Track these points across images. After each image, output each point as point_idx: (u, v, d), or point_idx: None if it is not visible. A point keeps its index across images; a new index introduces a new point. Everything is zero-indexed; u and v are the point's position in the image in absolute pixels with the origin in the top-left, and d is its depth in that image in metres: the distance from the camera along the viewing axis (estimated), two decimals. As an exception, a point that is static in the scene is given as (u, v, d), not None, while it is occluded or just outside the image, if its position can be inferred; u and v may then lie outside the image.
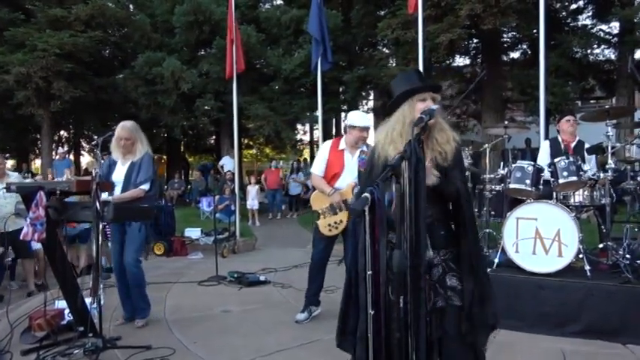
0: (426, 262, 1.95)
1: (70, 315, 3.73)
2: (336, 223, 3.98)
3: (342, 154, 4.06)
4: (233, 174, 11.16)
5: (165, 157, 21.27)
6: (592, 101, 18.21)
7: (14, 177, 5.53)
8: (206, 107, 14.14)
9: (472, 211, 2.21)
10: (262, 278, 5.64)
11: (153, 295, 4.65)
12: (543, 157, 4.92)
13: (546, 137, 5.46)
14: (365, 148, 4.05)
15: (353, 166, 4.00)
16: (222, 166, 14.31)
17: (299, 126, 16.06)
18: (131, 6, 15.59)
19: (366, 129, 4.04)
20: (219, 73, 13.28)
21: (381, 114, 17.11)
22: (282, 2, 15.97)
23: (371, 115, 14.62)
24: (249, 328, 4.04)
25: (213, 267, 5.91)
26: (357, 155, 4.01)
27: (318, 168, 4.13)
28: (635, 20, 10.73)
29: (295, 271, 6.15)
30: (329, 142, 4.25)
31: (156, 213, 7.52)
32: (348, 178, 4.00)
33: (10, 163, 19.81)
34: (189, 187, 16.61)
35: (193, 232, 8.35)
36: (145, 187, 3.89)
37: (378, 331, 1.74)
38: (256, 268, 6.28)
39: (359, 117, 4.11)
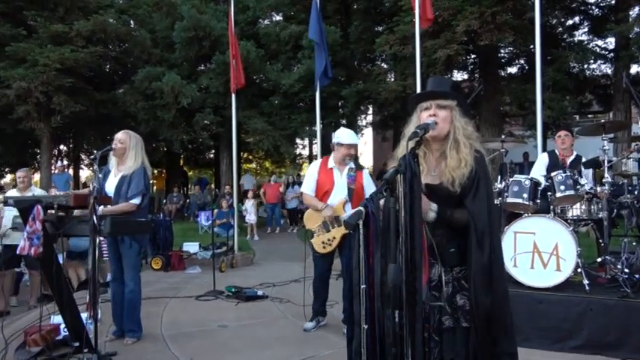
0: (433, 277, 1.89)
1: (65, 330, 3.70)
2: (329, 240, 4.06)
3: (331, 172, 4.16)
4: (232, 188, 11.16)
5: (164, 171, 21.30)
6: (589, 115, 18.32)
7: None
8: (205, 122, 14.20)
9: (484, 245, 1.86)
10: (260, 293, 5.60)
11: (150, 309, 4.64)
12: (539, 169, 4.94)
13: (544, 151, 5.49)
14: (353, 165, 4.19)
15: (342, 183, 4.11)
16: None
17: (298, 140, 16.10)
18: (132, 22, 15.73)
19: (352, 146, 4.15)
20: (218, 88, 13.39)
21: (380, 128, 17.24)
22: (281, 18, 16.14)
23: (357, 133, 14.81)
24: (246, 343, 4.00)
25: (211, 281, 5.88)
26: (345, 172, 4.13)
27: (308, 187, 4.22)
28: (630, 36, 10.84)
29: (294, 285, 6.11)
30: (318, 162, 4.37)
31: (153, 227, 7.52)
32: (339, 195, 4.09)
33: (9, 177, 19.84)
34: (187, 201, 16.60)
35: (191, 247, 8.31)
36: (136, 201, 3.87)
37: (372, 345, 1.73)
38: (254, 282, 6.25)
39: (346, 135, 4.20)
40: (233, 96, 8.83)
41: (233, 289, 5.58)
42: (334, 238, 4.04)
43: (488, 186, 1.97)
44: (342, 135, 4.21)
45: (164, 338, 4.11)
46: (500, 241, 2.00)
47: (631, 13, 11.62)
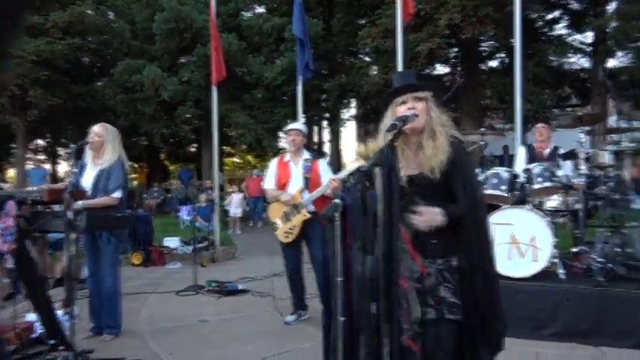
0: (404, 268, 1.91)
1: (41, 327, 3.63)
2: (290, 229, 4.23)
3: (287, 165, 4.38)
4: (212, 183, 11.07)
5: (146, 165, 21.03)
6: (568, 109, 18.60)
7: None
8: (187, 115, 14.06)
9: (480, 232, 1.93)
10: (241, 287, 5.57)
11: (129, 305, 4.57)
12: (520, 163, 5.01)
13: (522, 144, 5.56)
14: (308, 156, 4.36)
15: (298, 173, 4.30)
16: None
17: (281, 134, 16.02)
18: (111, 13, 15.43)
19: (293, 131, 4.35)
20: (199, 81, 13.23)
21: (363, 122, 17.29)
22: (264, 11, 16.00)
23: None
24: (226, 338, 3.98)
25: (192, 277, 5.82)
26: (301, 163, 4.32)
27: (269, 182, 4.46)
28: (607, 30, 11.03)
29: (275, 279, 6.08)
30: (276, 159, 4.59)
31: (132, 222, 7.39)
32: (296, 186, 4.28)
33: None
34: (169, 195, 16.42)
35: (172, 242, 8.22)
36: (118, 194, 3.81)
37: (350, 337, 1.73)
38: (236, 276, 6.21)
39: (290, 125, 4.51)
40: (214, 89, 8.72)
41: (214, 284, 5.54)
42: (294, 226, 4.21)
43: (471, 168, 2.00)
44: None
45: (143, 334, 4.06)
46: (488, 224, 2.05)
47: (608, 7, 11.81)
